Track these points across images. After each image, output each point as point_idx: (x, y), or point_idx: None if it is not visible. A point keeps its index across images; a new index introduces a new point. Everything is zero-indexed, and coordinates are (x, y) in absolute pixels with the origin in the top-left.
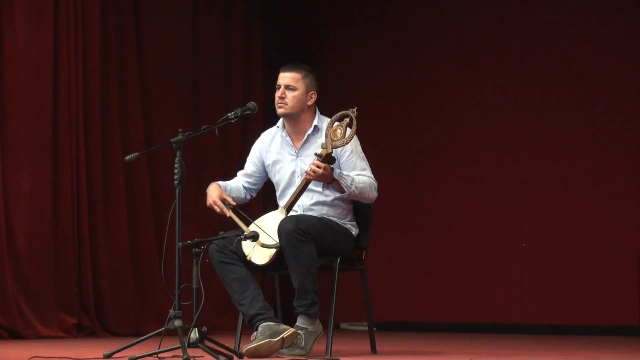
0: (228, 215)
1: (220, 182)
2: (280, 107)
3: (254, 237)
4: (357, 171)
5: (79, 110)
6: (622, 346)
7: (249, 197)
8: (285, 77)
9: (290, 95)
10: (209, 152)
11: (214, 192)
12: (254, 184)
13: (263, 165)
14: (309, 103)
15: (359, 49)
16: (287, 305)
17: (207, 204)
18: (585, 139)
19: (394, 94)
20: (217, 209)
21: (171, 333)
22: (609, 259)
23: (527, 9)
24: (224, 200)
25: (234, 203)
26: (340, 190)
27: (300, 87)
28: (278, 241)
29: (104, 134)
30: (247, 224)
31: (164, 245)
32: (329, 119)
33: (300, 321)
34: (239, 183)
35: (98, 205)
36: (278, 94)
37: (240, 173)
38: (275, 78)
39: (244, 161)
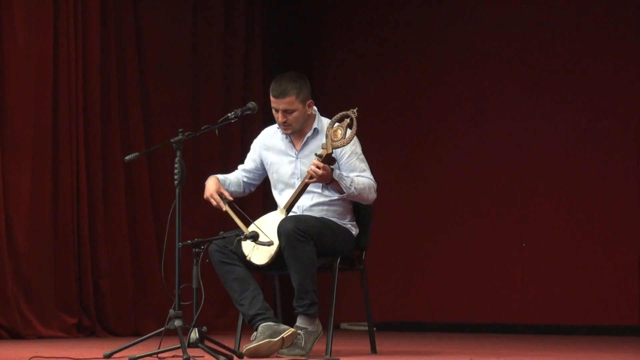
0: (224, 209)
1: (220, 176)
2: (286, 130)
3: (254, 237)
4: (356, 172)
5: (79, 111)
6: (622, 346)
7: (247, 191)
8: (281, 103)
9: (291, 117)
10: (209, 152)
11: (211, 185)
12: (253, 180)
13: (262, 163)
14: (309, 112)
15: (359, 50)
16: (287, 305)
17: (204, 196)
18: (585, 139)
19: (394, 95)
20: (214, 203)
21: (171, 333)
22: (609, 259)
23: (527, 9)
24: (221, 194)
25: (231, 198)
26: (340, 191)
27: (298, 106)
28: (276, 240)
29: (104, 134)
30: (244, 220)
31: (164, 245)
32: (328, 120)
33: (300, 321)
34: (239, 176)
35: (98, 205)
36: (279, 119)
37: (240, 167)
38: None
39: (245, 159)
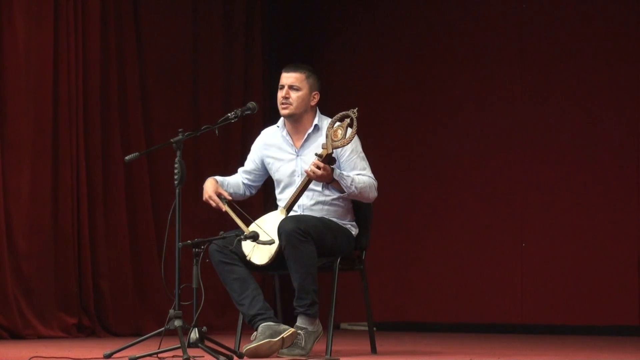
0: (224, 209)
1: (218, 177)
2: (284, 108)
3: (254, 237)
4: (357, 171)
5: (79, 110)
6: (622, 346)
7: (248, 193)
8: (290, 77)
9: (294, 95)
10: (209, 152)
11: (209, 187)
12: (253, 181)
13: (262, 163)
14: (312, 103)
15: (360, 49)
16: (287, 305)
17: (203, 198)
18: (585, 139)
19: (394, 95)
20: (213, 204)
21: (171, 333)
22: (609, 259)
23: (527, 9)
24: (219, 195)
25: (230, 198)
26: (340, 190)
27: (304, 87)
28: (275, 239)
29: (104, 134)
30: (244, 220)
31: (164, 245)
32: (329, 118)
33: (300, 321)
34: (239, 179)
35: (98, 205)
36: (282, 94)
37: (240, 169)
38: (275, 78)
39: (245, 161)
